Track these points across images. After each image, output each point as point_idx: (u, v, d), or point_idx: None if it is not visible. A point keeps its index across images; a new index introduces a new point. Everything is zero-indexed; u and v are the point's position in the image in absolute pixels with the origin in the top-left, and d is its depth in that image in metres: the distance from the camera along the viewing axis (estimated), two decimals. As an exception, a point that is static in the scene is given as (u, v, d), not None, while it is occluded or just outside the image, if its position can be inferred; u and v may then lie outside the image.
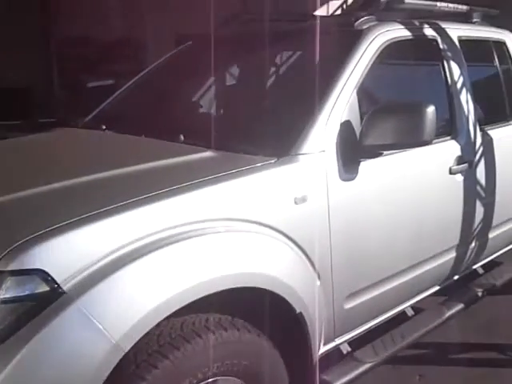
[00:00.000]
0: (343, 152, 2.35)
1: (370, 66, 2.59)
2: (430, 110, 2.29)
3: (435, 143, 2.85)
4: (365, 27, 2.76)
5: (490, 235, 3.43)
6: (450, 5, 3.50)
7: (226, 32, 2.96)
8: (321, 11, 5.00)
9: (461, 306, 3.19)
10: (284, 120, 2.39)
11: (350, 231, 2.39)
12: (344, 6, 5.97)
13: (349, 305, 2.48)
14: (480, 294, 3.36)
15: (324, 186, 2.27)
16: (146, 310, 1.76)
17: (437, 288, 3.19)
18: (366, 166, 2.44)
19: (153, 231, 1.81)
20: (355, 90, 2.48)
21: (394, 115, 2.31)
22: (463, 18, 3.69)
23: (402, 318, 3.07)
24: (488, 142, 3.24)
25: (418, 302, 3.10)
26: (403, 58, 2.95)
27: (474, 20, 3.71)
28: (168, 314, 1.82)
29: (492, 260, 3.82)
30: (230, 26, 3.03)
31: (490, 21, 3.95)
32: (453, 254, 3.10)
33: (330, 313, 2.40)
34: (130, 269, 1.76)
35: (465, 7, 3.63)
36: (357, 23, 2.80)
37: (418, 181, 2.74)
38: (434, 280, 3.10)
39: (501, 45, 3.68)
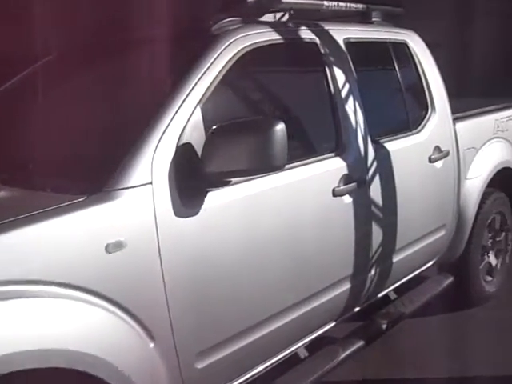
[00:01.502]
0: (180, 182, 1.94)
1: (223, 75, 2.19)
2: (279, 128, 1.89)
3: (314, 162, 2.49)
4: (222, 31, 2.36)
5: (396, 259, 3.07)
6: (342, 3, 3.13)
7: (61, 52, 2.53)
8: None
9: (360, 343, 2.81)
10: (100, 147, 1.97)
11: (195, 278, 1.98)
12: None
13: (203, 363, 2.06)
14: (384, 326, 3.00)
15: (152, 225, 1.85)
16: None
17: (333, 324, 2.81)
18: (216, 197, 2.04)
19: None
20: (200, 106, 2.07)
21: (237, 136, 1.91)
22: (361, 18, 3.36)
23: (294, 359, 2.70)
24: (384, 156, 2.87)
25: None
26: (273, 66, 2.55)
27: (373, 20, 3.37)
28: None
29: (417, 275, 3.49)
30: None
31: (394, 21, 3.62)
32: (347, 286, 2.72)
33: (177, 377, 1.98)
34: None
35: (361, 6, 3.28)
36: (214, 27, 2.40)
37: (291, 209, 2.34)
38: (326, 317, 2.72)
39: (402, 46, 3.33)
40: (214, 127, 1.95)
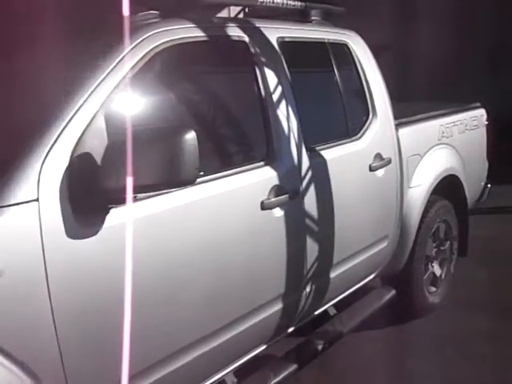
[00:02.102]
0: (75, 198, 1.68)
1: (133, 76, 1.93)
2: (188, 137, 1.65)
3: (240, 173, 2.26)
4: (136, 25, 2.10)
5: (333, 274, 2.87)
6: (278, 0, 2.92)
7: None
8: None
9: (293, 366, 2.60)
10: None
11: (94, 309, 1.72)
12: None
13: (104, 404, 1.80)
14: (320, 347, 2.80)
15: (37, 250, 1.58)
16: None
17: (264, 347, 2.59)
18: (120, 214, 1.78)
19: None
20: (103, 111, 1.81)
21: (141, 146, 1.66)
22: (299, 17, 3.15)
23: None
24: (320, 165, 2.67)
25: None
26: (195, 65, 2.31)
27: (313, 18, 3.17)
28: None
29: (364, 285, 3.32)
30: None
31: (338, 22, 3.43)
32: (279, 306, 2.50)
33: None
34: None
35: (299, 3, 3.08)
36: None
37: (212, 225, 2.10)
38: (257, 340, 2.49)
39: (342, 47, 3.14)
40: (116, 135, 1.69)
